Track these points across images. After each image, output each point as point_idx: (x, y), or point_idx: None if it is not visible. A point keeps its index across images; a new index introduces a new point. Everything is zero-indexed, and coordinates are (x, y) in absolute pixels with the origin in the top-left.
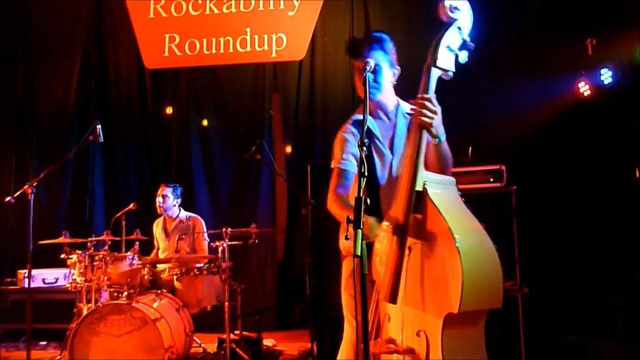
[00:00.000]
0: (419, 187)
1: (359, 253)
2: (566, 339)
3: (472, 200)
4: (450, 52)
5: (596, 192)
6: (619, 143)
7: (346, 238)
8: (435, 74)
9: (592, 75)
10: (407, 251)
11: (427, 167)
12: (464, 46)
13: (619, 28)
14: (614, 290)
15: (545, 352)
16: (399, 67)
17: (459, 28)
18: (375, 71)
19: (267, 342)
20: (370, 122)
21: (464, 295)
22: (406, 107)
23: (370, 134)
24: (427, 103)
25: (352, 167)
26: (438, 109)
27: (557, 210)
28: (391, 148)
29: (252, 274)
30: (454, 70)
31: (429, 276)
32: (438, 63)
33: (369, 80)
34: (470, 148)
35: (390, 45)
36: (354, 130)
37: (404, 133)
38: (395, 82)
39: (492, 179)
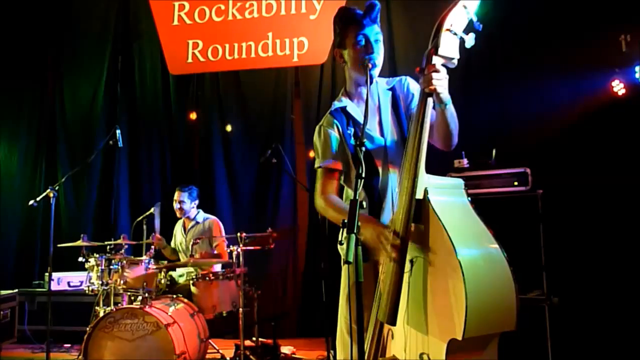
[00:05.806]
0: (419, 195)
1: (351, 259)
2: (599, 352)
3: (496, 205)
4: (454, 37)
5: (630, 196)
6: None
7: (340, 243)
8: (437, 62)
9: (627, 73)
10: (409, 265)
11: (433, 134)
12: (470, 28)
13: None
14: None
15: None
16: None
17: (465, 7)
18: (377, 40)
19: (286, 349)
20: (353, 108)
21: (468, 319)
22: (381, 82)
23: (354, 121)
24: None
25: (338, 165)
26: (443, 71)
27: (587, 216)
28: (381, 132)
29: (273, 279)
30: (458, 57)
31: (432, 294)
32: (440, 51)
33: (374, 55)
34: (494, 150)
35: None
36: (336, 122)
37: (389, 110)
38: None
39: (516, 183)
